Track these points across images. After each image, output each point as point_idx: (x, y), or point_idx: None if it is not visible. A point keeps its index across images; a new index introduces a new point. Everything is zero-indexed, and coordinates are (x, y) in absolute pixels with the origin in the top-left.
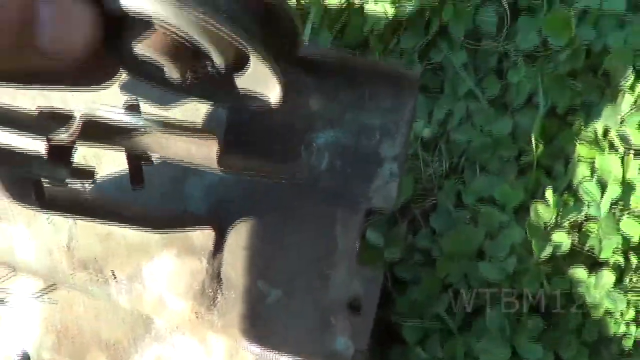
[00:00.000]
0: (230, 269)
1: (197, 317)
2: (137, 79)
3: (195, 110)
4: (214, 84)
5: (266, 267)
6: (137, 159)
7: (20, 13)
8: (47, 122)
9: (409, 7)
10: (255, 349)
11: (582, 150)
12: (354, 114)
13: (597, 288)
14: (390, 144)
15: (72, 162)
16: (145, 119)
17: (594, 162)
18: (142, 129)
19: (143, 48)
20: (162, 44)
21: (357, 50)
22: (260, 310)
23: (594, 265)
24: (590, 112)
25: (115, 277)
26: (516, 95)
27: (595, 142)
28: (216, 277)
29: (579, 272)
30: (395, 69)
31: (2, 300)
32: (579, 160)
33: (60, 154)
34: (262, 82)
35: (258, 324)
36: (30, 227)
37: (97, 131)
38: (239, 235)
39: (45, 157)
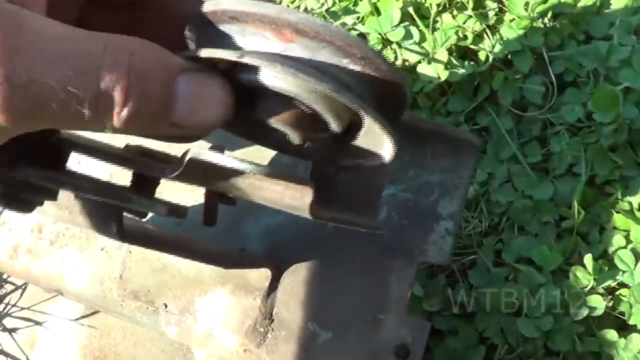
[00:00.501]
0: (283, 309)
1: (245, 352)
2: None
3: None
4: (330, 149)
5: (319, 309)
6: (215, 198)
7: (161, 87)
8: (133, 155)
9: (460, 72)
10: None
11: (618, 220)
12: (415, 171)
13: (626, 351)
14: (447, 201)
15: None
16: (250, 164)
17: (629, 233)
18: (245, 172)
19: (273, 120)
20: (288, 115)
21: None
22: (309, 351)
23: (623, 329)
24: (628, 185)
25: (166, 309)
26: (558, 163)
27: (631, 213)
28: (269, 315)
29: (610, 334)
30: (456, 132)
31: (42, 323)
32: (614, 229)
33: (145, 189)
34: (375, 141)
35: None
36: (82, 253)
37: (198, 172)
38: (294, 277)
39: (131, 189)
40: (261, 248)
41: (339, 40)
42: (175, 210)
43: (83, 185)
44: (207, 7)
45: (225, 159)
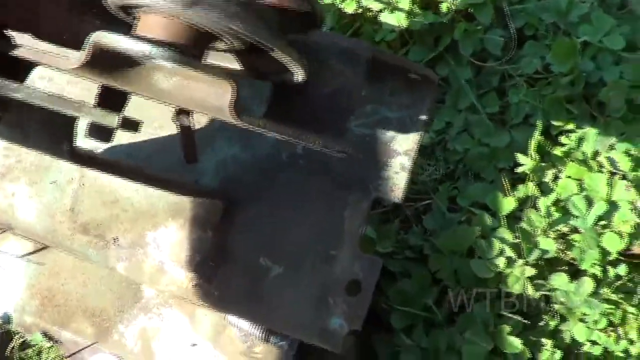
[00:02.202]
0: (235, 243)
1: (194, 288)
2: None
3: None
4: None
5: (271, 244)
6: (191, 134)
7: None
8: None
9: (422, 21)
10: (244, 324)
11: (572, 168)
12: (373, 106)
13: (577, 294)
14: (404, 138)
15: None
16: (157, 48)
17: (582, 181)
18: (154, 60)
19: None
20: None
21: None
22: (261, 285)
23: (574, 273)
24: (582, 136)
25: (116, 243)
26: (515, 113)
27: (584, 163)
28: (220, 250)
29: (561, 278)
30: (418, 68)
31: None
32: (568, 177)
33: (112, 103)
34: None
35: (256, 298)
36: (32, 187)
37: (108, 60)
38: (247, 211)
39: (97, 101)
40: (214, 181)
41: None
42: (129, 123)
43: (35, 94)
44: None
45: (128, 41)
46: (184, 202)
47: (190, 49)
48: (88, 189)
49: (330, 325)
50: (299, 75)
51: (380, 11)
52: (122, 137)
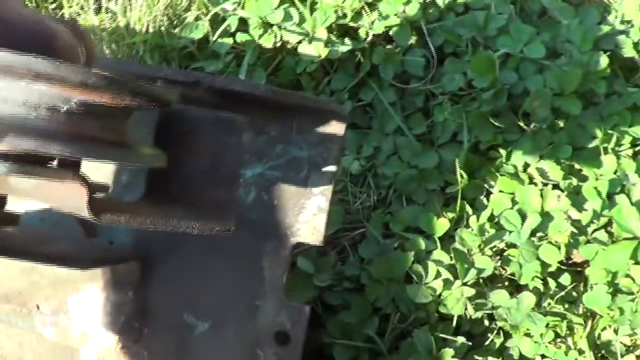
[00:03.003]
0: (156, 302)
1: (122, 350)
2: None
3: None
4: None
5: (193, 299)
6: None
7: None
8: None
9: (341, 49)
10: None
11: (503, 183)
12: (283, 147)
13: (519, 310)
14: (318, 177)
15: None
16: None
17: (514, 194)
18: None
19: None
20: None
21: (291, 89)
22: (187, 343)
23: (515, 289)
24: (511, 149)
25: (39, 310)
26: (441, 132)
27: (515, 176)
28: (142, 309)
29: (501, 295)
30: (324, 104)
31: None
32: (500, 192)
33: None
34: None
35: (185, 357)
36: None
37: None
38: (165, 268)
39: None
40: (129, 240)
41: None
42: (8, 219)
43: None
44: None
45: None
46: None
47: (30, 157)
48: (2, 259)
49: None
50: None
51: (299, 42)
52: (34, 204)
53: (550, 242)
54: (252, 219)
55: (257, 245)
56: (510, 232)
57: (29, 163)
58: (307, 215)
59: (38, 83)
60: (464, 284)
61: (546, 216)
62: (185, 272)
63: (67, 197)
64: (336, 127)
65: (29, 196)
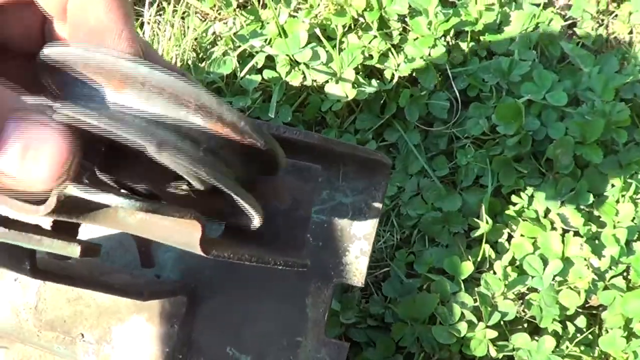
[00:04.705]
0: (200, 335)
1: None
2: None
3: None
4: (194, 201)
5: (237, 334)
6: (145, 241)
7: None
8: None
9: (367, 90)
10: None
11: (525, 228)
12: (329, 192)
13: (539, 352)
14: (361, 222)
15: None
16: (122, 198)
17: (535, 239)
18: (117, 208)
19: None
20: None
21: (315, 126)
22: None
23: (534, 331)
24: (533, 194)
25: (83, 338)
26: (465, 175)
27: (537, 221)
28: (186, 343)
29: (522, 338)
30: (372, 154)
31: None
32: (521, 236)
33: (67, 229)
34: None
35: None
36: None
37: (75, 208)
38: (210, 302)
39: (50, 231)
40: (176, 274)
41: (168, 87)
42: (90, 250)
43: None
44: (43, 54)
45: (92, 194)
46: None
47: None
48: (50, 286)
49: None
50: (255, 220)
51: (326, 82)
52: (82, 234)
53: (570, 287)
54: None
55: (301, 285)
56: (533, 276)
57: (154, 200)
58: (351, 257)
59: (196, 116)
60: (487, 327)
61: (567, 262)
62: (229, 308)
63: (177, 235)
64: (379, 176)
65: (135, 231)
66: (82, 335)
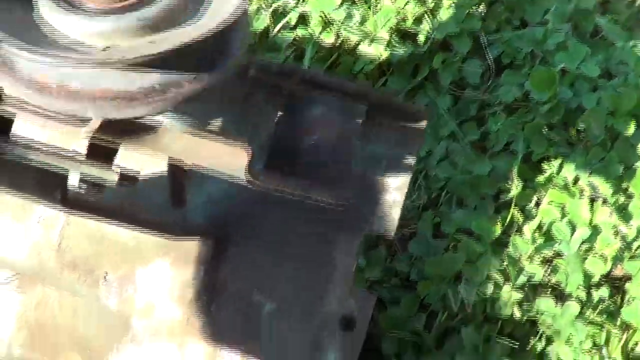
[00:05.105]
0: (226, 280)
1: (187, 323)
2: None
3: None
4: None
5: (263, 280)
6: (180, 179)
7: None
8: None
9: (400, 52)
10: (236, 356)
11: (553, 194)
12: (364, 143)
13: (563, 317)
14: (395, 174)
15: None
16: (171, 118)
17: (564, 206)
18: (165, 126)
19: None
20: None
21: None
22: (254, 321)
23: (559, 297)
24: (563, 162)
25: (106, 279)
26: (495, 141)
27: (566, 189)
28: (212, 286)
29: (547, 302)
30: (408, 106)
31: None
32: (550, 203)
33: (104, 156)
34: None
35: (250, 334)
36: (18, 223)
37: (118, 127)
38: (238, 248)
39: (85, 156)
40: (204, 218)
41: None
42: (127, 177)
43: (30, 152)
44: None
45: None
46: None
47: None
48: (74, 226)
49: None
50: None
51: (359, 42)
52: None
53: (596, 255)
54: (331, 207)
55: (331, 233)
56: (560, 242)
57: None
58: (383, 208)
59: None
60: (514, 288)
61: (595, 229)
62: (257, 254)
63: (223, 162)
64: (416, 129)
65: (180, 157)
66: (105, 275)
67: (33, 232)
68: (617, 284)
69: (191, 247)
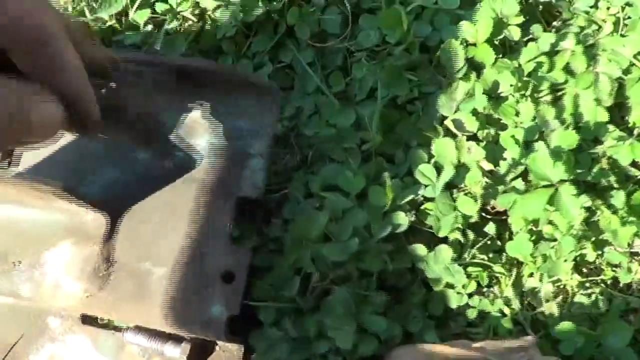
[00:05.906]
0: (120, 253)
1: (88, 297)
2: None
3: None
4: None
5: (152, 249)
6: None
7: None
8: None
9: (256, 12)
10: (141, 340)
11: (420, 137)
12: (227, 119)
13: (437, 263)
14: (257, 142)
15: None
16: None
17: (430, 148)
18: None
19: None
20: None
21: (213, 54)
22: (147, 287)
23: (437, 242)
24: (428, 102)
25: (18, 265)
26: (359, 89)
27: (433, 129)
28: (108, 260)
29: (419, 249)
30: (260, 81)
31: None
32: (418, 147)
33: None
34: None
35: (145, 299)
36: None
37: None
38: (128, 222)
39: None
40: (100, 197)
41: None
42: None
43: None
44: None
45: None
46: (72, 223)
47: None
48: None
49: (211, 314)
50: None
51: (217, 8)
52: None
53: (466, 194)
54: (203, 179)
55: (206, 200)
56: (426, 185)
57: None
58: (248, 172)
59: None
60: (380, 240)
61: (462, 168)
62: (145, 227)
63: None
64: (270, 101)
65: None
66: (15, 262)
67: None
68: (504, 219)
69: (89, 226)
